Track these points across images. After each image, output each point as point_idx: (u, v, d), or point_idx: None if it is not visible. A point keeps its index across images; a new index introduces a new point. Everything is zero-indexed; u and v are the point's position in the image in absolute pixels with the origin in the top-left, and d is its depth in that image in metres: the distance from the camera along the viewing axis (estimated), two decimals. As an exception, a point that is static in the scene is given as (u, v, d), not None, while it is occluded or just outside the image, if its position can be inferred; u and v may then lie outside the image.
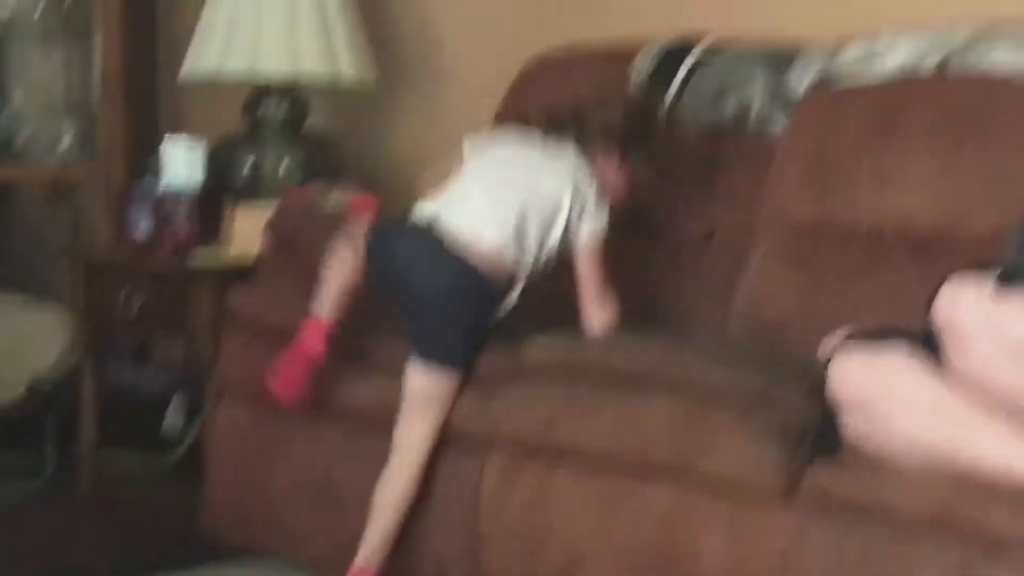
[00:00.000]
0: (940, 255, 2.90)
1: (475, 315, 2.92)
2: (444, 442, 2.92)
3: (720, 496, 2.53)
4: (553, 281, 3.00)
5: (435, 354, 2.88)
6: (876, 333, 2.46)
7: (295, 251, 3.37)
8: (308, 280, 3.17)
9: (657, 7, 3.76)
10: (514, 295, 2.97)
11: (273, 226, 3.43)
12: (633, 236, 3.32)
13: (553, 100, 3.56)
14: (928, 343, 2.33)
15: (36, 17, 4.49)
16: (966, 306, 2.25)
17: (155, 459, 4.02)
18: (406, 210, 3.02)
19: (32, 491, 3.99)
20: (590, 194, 3.02)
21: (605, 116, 3.14)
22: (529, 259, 2.98)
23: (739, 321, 3.14)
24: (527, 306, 2.98)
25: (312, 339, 2.95)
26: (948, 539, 2.25)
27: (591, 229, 3.00)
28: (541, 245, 2.99)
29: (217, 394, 3.40)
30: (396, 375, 2.93)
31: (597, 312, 2.98)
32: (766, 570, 2.46)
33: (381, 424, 2.96)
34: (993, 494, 2.20)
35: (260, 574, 3.25)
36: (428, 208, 2.97)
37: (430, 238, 2.90)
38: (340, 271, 3.00)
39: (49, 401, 4.04)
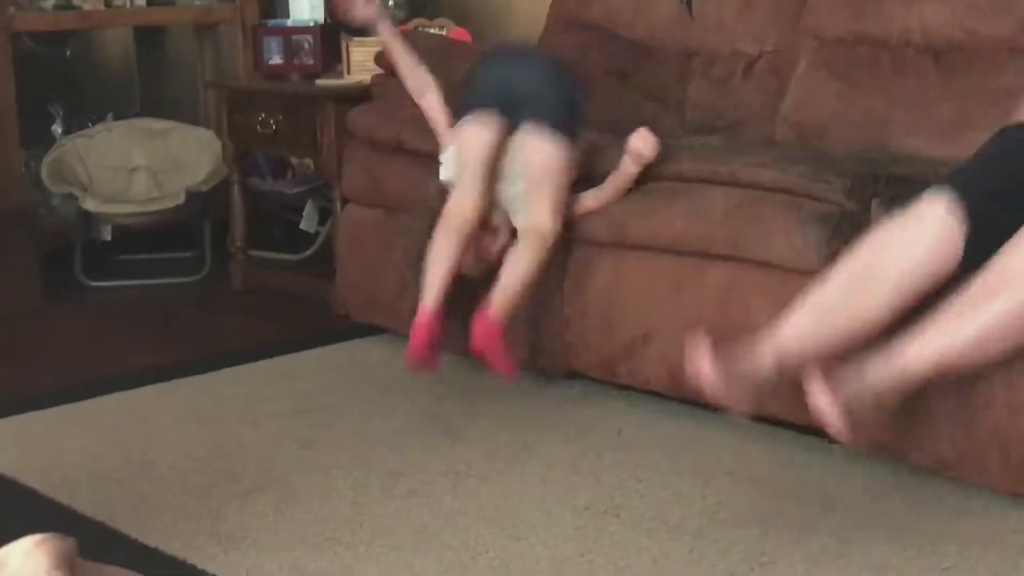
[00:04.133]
0: (959, 61, 2.85)
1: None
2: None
3: (769, 274, 2.56)
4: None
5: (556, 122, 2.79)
6: None
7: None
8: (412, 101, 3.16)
9: None
10: None
11: (383, 56, 3.41)
12: (684, 60, 3.30)
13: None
14: None
15: None
16: None
17: (294, 255, 4.08)
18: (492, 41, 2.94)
19: (188, 284, 4.07)
20: None
21: None
22: None
23: (785, 126, 3.10)
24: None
25: (422, 331, 2.73)
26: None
27: None
28: None
29: (343, 198, 3.45)
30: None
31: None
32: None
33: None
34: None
35: (381, 348, 3.29)
36: None
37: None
38: (443, 262, 2.77)
39: (204, 210, 4.11)
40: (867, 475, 2.42)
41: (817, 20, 3.15)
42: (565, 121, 2.78)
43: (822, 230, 2.47)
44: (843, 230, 2.45)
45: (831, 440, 2.25)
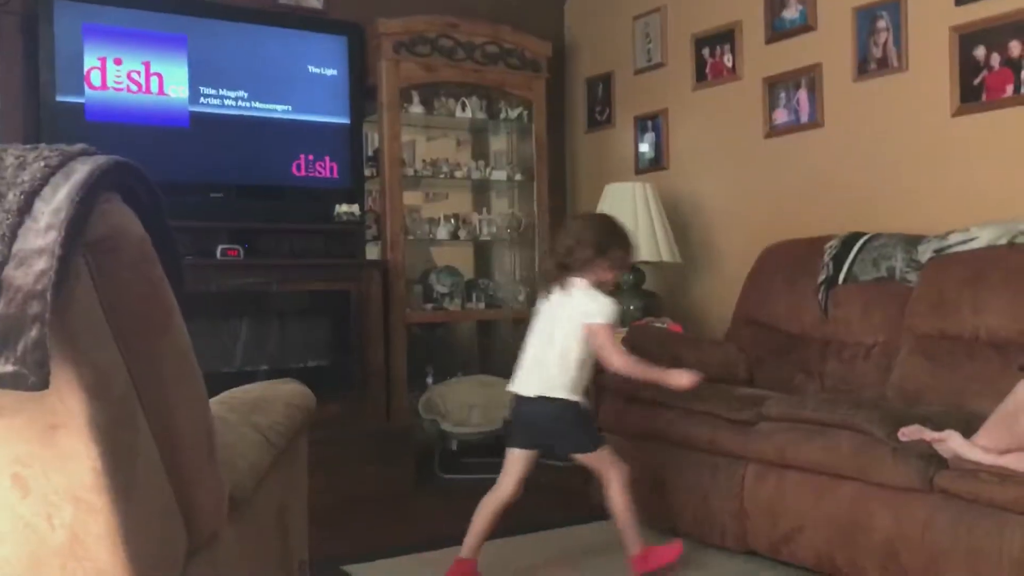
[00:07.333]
0: (1010, 351, 2.74)
1: (575, 421, 2.61)
2: (717, 455, 2.87)
3: (885, 491, 2.44)
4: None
5: (582, 448, 2.65)
6: None
7: (640, 351, 3.36)
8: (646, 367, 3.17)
9: (837, 216, 3.65)
10: (582, 400, 2.60)
11: (628, 339, 3.46)
12: (829, 346, 3.23)
13: (779, 268, 3.52)
14: None
15: (506, 236, 4.66)
16: None
17: (566, 462, 4.04)
18: (697, 332, 2.94)
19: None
20: (593, 300, 2.56)
21: (580, 252, 2.58)
22: (575, 376, 2.57)
23: (893, 392, 3.00)
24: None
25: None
26: (1020, 518, 2.09)
27: (592, 317, 2.55)
28: (581, 362, 2.58)
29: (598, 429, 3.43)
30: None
31: (611, 360, 2.56)
32: (914, 536, 2.36)
33: (696, 447, 2.95)
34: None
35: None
36: (514, 385, 2.68)
37: (527, 398, 2.62)
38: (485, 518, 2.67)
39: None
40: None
41: (913, 321, 3.08)
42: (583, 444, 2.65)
43: (922, 462, 2.36)
44: (936, 461, 2.34)
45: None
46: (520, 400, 2.64)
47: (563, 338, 2.58)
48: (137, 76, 3.72)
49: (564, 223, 2.73)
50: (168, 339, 1.13)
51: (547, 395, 2.58)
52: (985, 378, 2.69)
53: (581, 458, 2.66)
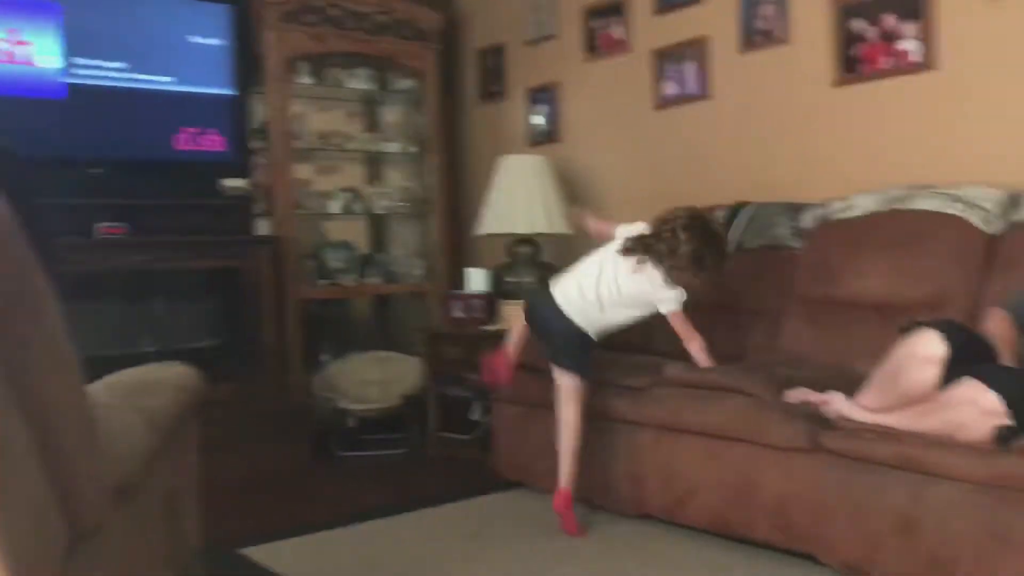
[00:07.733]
0: (890, 313, 2.83)
1: (580, 347, 2.84)
2: (615, 422, 2.89)
3: (772, 451, 2.50)
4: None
5: (569, 367, 2.84)
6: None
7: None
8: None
9: (724, 186, 3.71)
10: (594, 339, 2.85)
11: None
12: (720, 312, 3.30)
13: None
14: None
15: (401, 210, 4.61)
16: None
17: (467, 435, 4.07)
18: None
19: (402, 454, 4.07)
20: (663, 288, 2.78)
21: (674, 259, 2.75)
22: (600, 322, 2.82)
23: (782, 355, 3.08)
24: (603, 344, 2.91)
25: (503, 360, 3.04)
26: (900, 473, 2.17)
27: (667, 306, 2.81)
28: (615, 317, 2.82)
29: (496, 399, 3.45)
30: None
31: (690, 345, 2.85)
32: (802, 493, 2.43)
33: (594, 414, 2.98)
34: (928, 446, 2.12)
35: (521, 496, 3.24)
36: (554, 286, 2.90)
37: (555, 306, 2.84)
38: (517, 334, 3.03)
39: (412, 407, 4.14)
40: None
41: (800, 288, 3.16)
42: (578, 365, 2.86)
43: (808, 423, 2.42)
44: (821, 421, 2.41)
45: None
46: (548, 305, 2.85)
47: (621, 300, 2.80)
48: (4, 44, 3.49)
49: (667, 217, 2.82)
50: (40, 323, 1.05)
51: (574, 319, 2.81)
52: (868, 340, 2.79)
53: (566, 376, 2.84)
